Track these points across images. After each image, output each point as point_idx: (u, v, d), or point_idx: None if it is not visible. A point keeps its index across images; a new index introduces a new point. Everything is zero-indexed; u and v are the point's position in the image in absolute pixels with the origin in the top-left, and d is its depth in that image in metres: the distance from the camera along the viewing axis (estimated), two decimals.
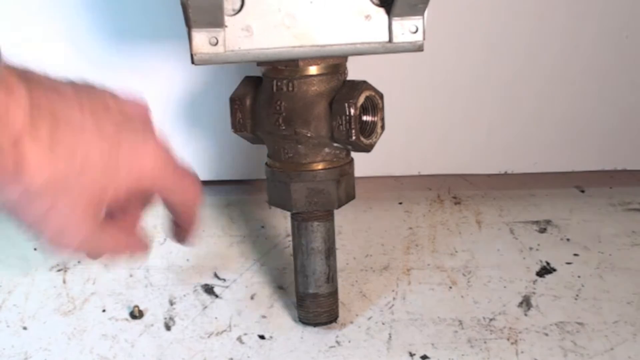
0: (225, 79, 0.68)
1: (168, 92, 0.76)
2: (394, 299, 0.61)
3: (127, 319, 0.59)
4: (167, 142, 0.43)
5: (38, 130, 0.36)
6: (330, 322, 0.58)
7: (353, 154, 0.57)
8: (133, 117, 0.42)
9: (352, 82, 0.54)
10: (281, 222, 0.75)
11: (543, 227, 0.74)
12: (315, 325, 0.57)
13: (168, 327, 0.57)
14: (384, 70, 0.75)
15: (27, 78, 0.37)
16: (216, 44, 0.49)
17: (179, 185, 0.44)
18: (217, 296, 0.62)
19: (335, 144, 0.54)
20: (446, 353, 0.54)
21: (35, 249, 0.69)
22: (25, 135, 0.35)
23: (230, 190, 0.79)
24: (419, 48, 0.52)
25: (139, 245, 0.45)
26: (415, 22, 0.51)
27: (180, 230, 0.47)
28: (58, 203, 0.37)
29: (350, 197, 0.57)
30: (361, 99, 0.53)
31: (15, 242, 0.70)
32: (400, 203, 0.80)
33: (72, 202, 0.38)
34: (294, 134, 0.53)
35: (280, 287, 0.64)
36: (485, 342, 0.55)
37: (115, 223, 0.43)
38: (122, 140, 0.40)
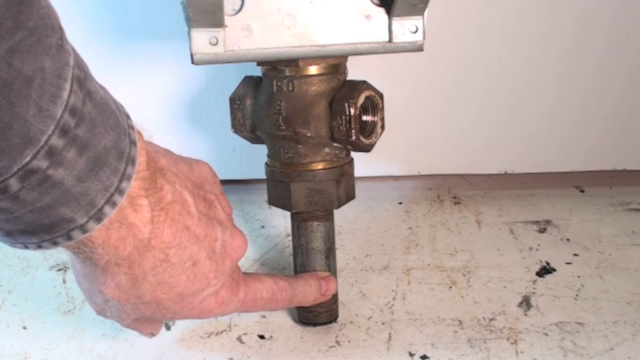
0: (225, 79, 0.69)
1: (168, 92, 0.76)
2: (393, 299, 0.61)
3: None
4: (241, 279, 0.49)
5: (136, 265, 0.41)
6: (330, 322, 0.58)
7: (353, 154, 0.57)
8: (226, 259, 0.47)
9: (352, 82, 0.54)
10: (281, 222, 0.75)
11: (543, 227, 0.74)
12: (315, 325, 0.57)
13: (168, 327, 0.57)
14: (384, 70, 0.75)
15: (158, 200, 0.41)
16: (216, 43, 0.49)
17: (251, 310, 0.52)
18: None
19: (335, 144, 0.54)
20: (446, 353, 0.54)
21: None
22: (124, 265, 0.41)
23: (230, 190, 0.79)
24: (419, 48, 0.52)
25: (154, 329, 0.51)
26: (415, 22, 0.51)
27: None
28: (111, 309, 0.44)
29: (350, 197, 0.57)
30: (361, 99, 0.53)
31: None
32: (400, 203, 0.80)
33: (123, 314, 0.45)
34: (293, 134, 0.53)
35: None
36: (485, 342, 0.55)
37: (142, 322, 0.49)
38: (203, 290, 0.46)
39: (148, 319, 0.47)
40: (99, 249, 0.38)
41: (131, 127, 0.39)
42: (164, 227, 0.41)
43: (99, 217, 0.36)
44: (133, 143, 0.38)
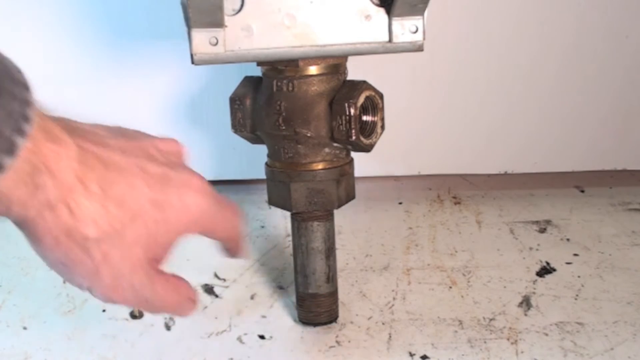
0: (225, 79, 0.68)
1: (168, 92, 0.76)
2: (394, 299, 0.61)
3: (127, 319, 0.59)
4: (203, 178, 0.44)
5: (89, 181, 0.37)
6: (330, 322, 0.58)
7: (353, 154, 0.57)
8: (171, 156, 0.43)
9: (352, 82, 0.54)
10: (281, 222, 0.75)
11: (543, 227, 0.74)
12: (315, 325, 0.57)
13: (168, 327, 0.57)
14: (384, 70, 0.75)
15: (70, 128, 0.37)
16: (216, 44, 0.49)
17: (223, 224, 0.45)
18: (217, 296, 0.62)
19: (335, 144, 0.54)
20: (446, 353, 0.54)
21: None
22: (78, 186, 0.36)
23: (230, 190, 0.79)
24: (419, 48, 0.52)
25: (188, 301, 0.44)
26: (415, 22, 0.51)
27: (229, 251, 0.48)
28: (111, 253, 0.38)
29: (350, 197, 0.57)
30: (361, 99, 0.53)
31: (15, 242, 0.70)
32: (400, 203, 0.80)
33: (126, 251, 0.38)
34: (294, 134, 0.53)
35: (280, 287, 0.64)
36: (485, 342, 0.55)
37: (167, 278, 0.42)
38: (168, 184, 0.40)
39: (155, 257, 0.41)
40: (44, 176, 0.34)
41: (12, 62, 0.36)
42: (84, 141, 0.37)
43: (10, 148, 0.32)
44: (19, 71, 0.35)
